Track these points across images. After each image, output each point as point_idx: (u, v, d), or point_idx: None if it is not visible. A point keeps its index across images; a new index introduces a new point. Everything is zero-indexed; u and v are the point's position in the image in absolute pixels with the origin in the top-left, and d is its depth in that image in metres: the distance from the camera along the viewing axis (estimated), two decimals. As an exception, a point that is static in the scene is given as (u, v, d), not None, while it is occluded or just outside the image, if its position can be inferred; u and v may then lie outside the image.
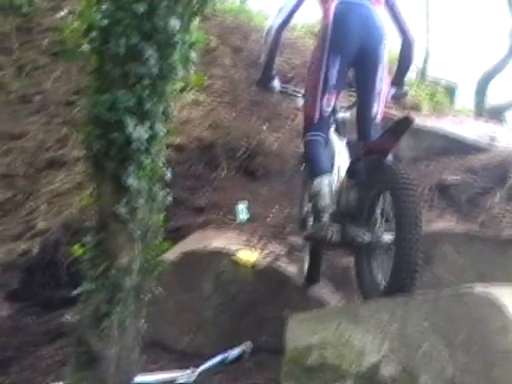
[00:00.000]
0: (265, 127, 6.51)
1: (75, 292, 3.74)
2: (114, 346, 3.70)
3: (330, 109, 4.38)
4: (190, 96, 7.10)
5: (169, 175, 4.03)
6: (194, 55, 3.83)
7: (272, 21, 4.52)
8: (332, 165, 4.32)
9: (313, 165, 4.34)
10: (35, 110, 7.74)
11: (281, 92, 4.86)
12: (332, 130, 4.57)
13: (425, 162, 5.97)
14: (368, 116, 4.38)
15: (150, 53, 3.61)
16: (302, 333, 3.71)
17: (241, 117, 6.83)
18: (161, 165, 3.97)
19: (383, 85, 4.38)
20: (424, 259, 4.90)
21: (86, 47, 3.70)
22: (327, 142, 4.44)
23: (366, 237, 3.93)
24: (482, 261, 4.86)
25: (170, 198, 4.07)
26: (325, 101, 4.33)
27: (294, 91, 4.90)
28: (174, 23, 3.60)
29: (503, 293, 3.09)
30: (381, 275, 3.88)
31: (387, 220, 3.83)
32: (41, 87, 7.97)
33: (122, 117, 3.62)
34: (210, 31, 8.06)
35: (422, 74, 10.10)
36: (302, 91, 4.72)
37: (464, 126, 6.48)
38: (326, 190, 4.12)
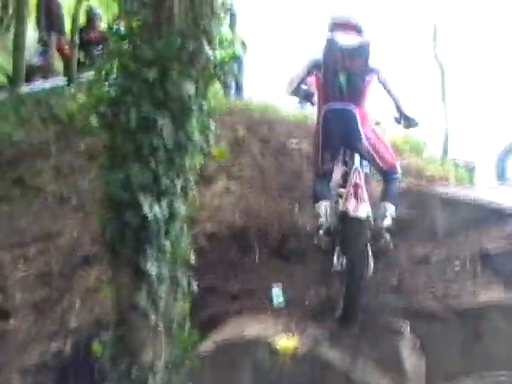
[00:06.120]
0: (296, 208, 5.87)
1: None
2: None
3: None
4: (220, 184, 6.50)
5: (193, 258, 3.32)
6: (212, 124, 3.15)
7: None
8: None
9: (315, 193, 5.10)
10: (71, 209, 7.17)
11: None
12: None
13: (463, 232, 5.29)
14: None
15: (164, 122, 2.96)
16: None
17: (272, 201, 6.32)
18: (183, 247, 3.26)
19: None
20: (473, 336, 4.23)
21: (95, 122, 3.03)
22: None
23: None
24: (538, 334, 4.25)
25: (195, 285, 3.37)
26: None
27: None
28: (189, 88, 2.97)
29: None
30: None
31: None
32: (77, 187, 7.44)
33: (137, 195, 3.02)
34: (238, 123, 7.58)
35: (444, 152, 9.58)
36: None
37: (499, 194, 5.73)
38: (322, 211, 4.91)
